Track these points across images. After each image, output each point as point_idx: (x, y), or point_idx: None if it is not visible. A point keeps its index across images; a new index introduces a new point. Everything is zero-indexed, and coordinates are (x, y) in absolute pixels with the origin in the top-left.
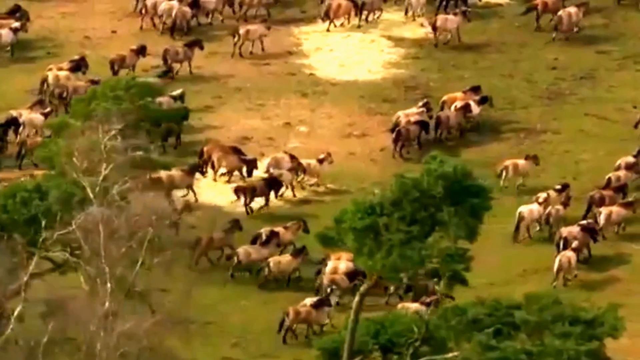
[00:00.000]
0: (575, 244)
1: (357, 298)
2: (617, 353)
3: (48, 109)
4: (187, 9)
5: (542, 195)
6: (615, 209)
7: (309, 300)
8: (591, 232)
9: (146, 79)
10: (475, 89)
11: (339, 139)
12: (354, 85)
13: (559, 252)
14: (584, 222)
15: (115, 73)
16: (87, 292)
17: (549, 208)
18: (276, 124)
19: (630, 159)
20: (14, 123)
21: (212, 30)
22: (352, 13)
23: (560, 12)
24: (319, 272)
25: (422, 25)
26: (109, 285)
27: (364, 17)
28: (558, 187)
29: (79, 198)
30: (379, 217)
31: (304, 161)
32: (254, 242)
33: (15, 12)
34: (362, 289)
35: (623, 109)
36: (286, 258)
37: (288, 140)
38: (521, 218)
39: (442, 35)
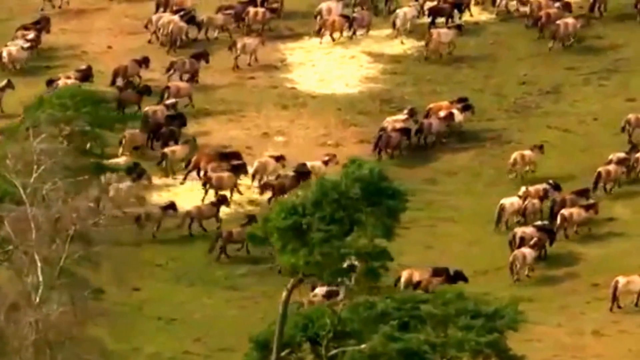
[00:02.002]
0: (534, 241)
1: (284, 293)
2: (557, 350)
3: None
4: (183, 24)
5: (522, 189)
6: (575, 210)
7: (319, 290)
8: (548, 232)
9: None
10: (462, 101)
11: (314, 148)
12: (331, 98)
13: (512, 251)
14: (538, 222)
15: (115, 83)
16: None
17: (526, 201)
18: (255, 134)
19: (622, 155)
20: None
21: (202, 44)
22: (345, 28)
23: (558, 22)
24: None
25: (402, 42)
26: (32, 277)
27: (356, 32)
28: (552, 183)
29: (15, 198)
30: (301, 217)
31: (309, 163)
32: None
33: (38, 22)
34: (288, 285)
35: (584, 121)
36: None
37: (265, 149)
38: (502, 210)
39: (437, 48)
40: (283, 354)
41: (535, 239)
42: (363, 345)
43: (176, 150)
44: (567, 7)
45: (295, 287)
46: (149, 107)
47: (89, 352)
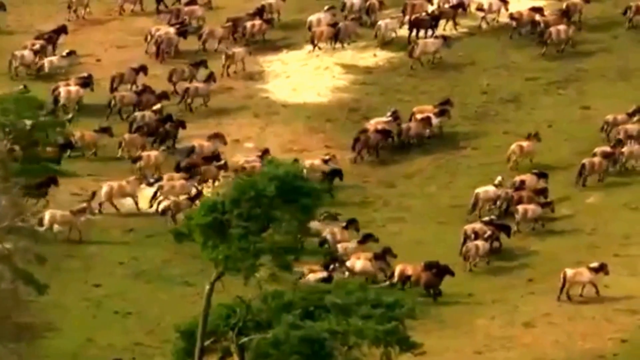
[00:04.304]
0: (487, 234)
1: (207, 286)
2: (488, 340)
3: None
4: (174, 36)
5: (498, 179)
6: (531, 207)
7: (313, 277)
8: (498, 227)
9: None
10: (443, 104)
11: (280, 153)
12: (302, 107)
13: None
14: (486, 218)
15: (113, 90)
16: None
17: (501, 190)
18: (227, 140)
19: (607, 149)
20: None
21: (193, 55)
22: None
23: (550, 28)
24: (322, 243)
25: (375, 55)
26: None
27: (342, 41)
28: (536, 171)
29: None
30: (220, 214)
31: (308, 162)
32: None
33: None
34: (212, 277)
35: (539, 128)
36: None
37: (234, 155)
38: (477, 198)
39: (423, 58)
40: (207, 342)
41: (488, 232)
42: (269, 335)
43: (204, 145)
44: (565, 15)
45: (217, 280)
46: (137, 112)
47: (16, 340)
